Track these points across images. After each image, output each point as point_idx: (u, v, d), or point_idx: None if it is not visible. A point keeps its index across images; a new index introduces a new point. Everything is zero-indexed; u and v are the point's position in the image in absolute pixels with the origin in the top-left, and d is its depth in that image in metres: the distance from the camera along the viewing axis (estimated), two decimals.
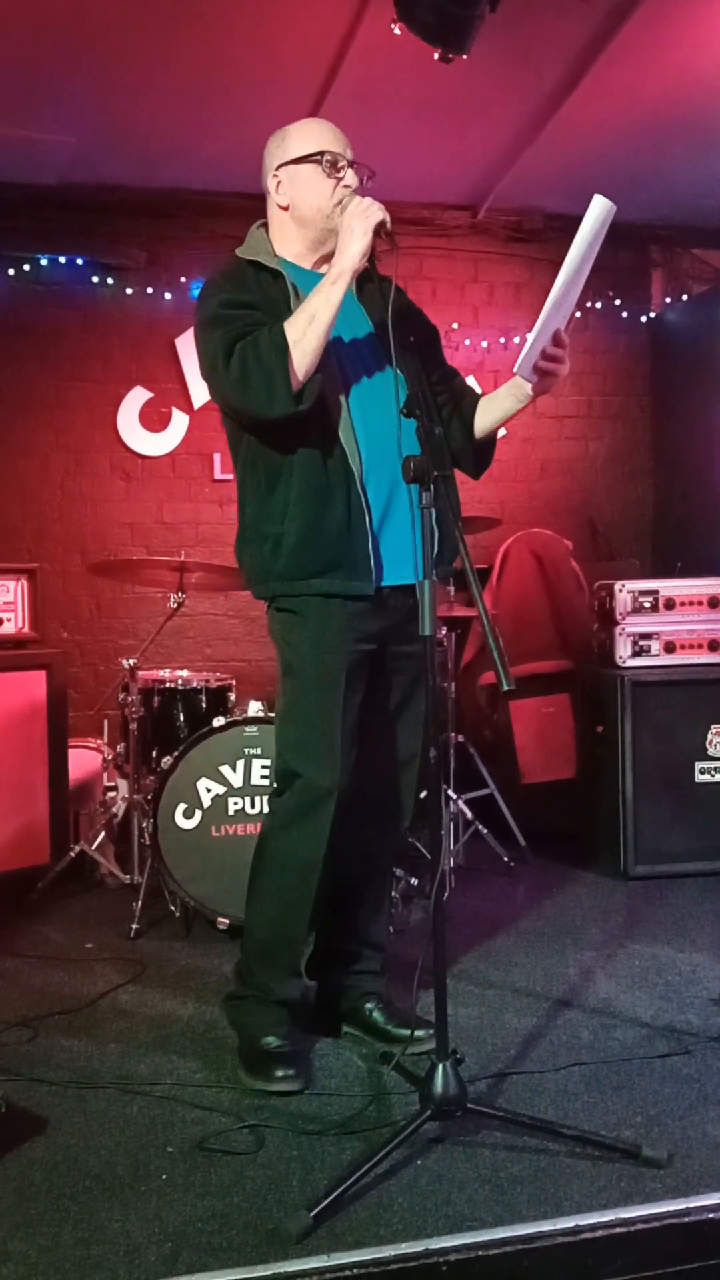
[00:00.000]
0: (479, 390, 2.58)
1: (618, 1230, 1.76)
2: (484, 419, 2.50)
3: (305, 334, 2.20)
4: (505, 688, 1.91)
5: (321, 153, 2.37)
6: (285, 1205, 1.84)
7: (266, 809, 2.55)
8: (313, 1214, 1.77)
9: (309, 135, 2.40)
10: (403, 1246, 1.71)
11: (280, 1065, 2.28)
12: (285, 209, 2.42)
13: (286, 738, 2.41)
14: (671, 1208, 1.81)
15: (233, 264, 2.44)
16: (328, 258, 2.44)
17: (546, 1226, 1.76)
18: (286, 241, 2.45)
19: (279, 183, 2.41)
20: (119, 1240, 1.76)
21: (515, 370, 2.32)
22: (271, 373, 2.20)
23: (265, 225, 2.49)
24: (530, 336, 2.27)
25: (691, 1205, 1.81)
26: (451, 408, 2.50)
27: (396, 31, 3.31)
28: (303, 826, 2.36)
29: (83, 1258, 1.72)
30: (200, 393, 4.91)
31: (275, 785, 2.45)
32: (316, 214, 2.39)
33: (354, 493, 2.30)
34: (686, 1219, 1.79)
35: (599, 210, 2.10)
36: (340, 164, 2.37)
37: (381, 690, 2.48)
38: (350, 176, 2.38)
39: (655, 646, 4.00)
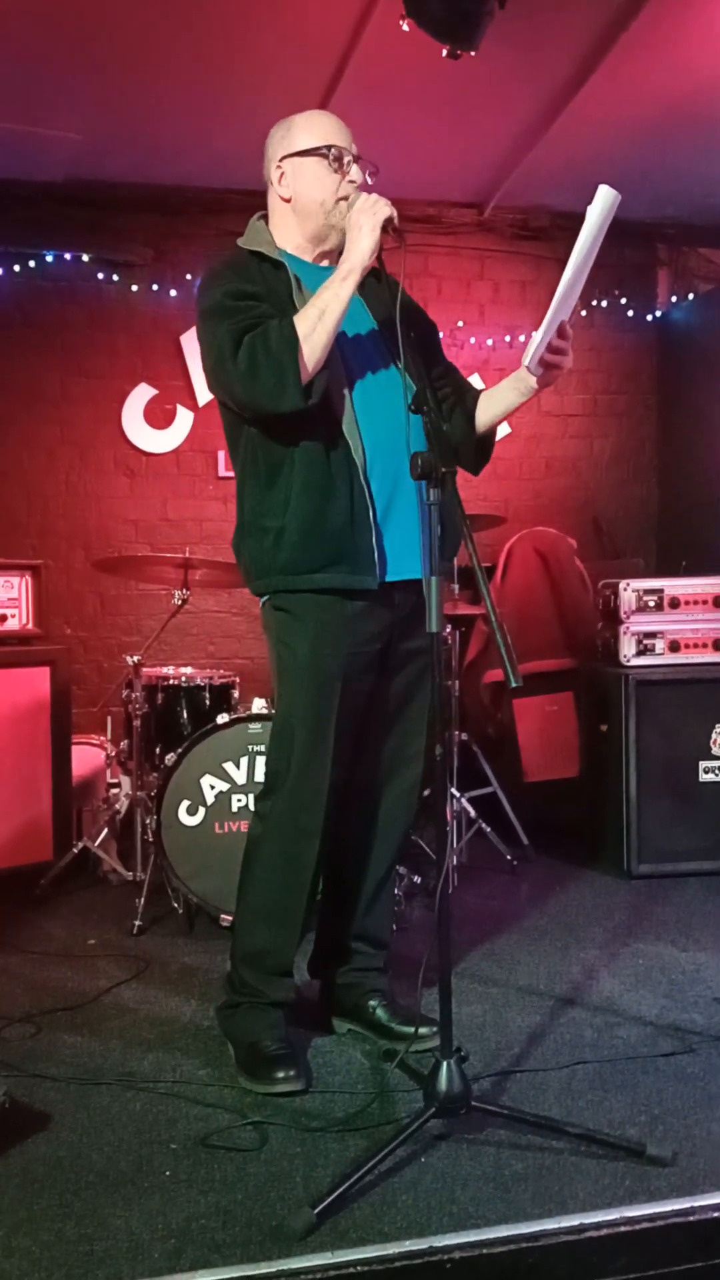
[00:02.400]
0: (481, 386, 2.58)
1: (622, 1229, 1.75)
2: (486, 413, 2.49)
3: (315, 329, 2.20)
4: (513, 684, 1.91)
5: (329, 146, 2.36)
6: (289, 1202, 1.84)
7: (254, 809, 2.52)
8: (316, 1211, 1.76)
9: (315, 128, 2.39)
10: (407, 1244, 1.71)
11: (281, 1067, 2.27)
12: (287, 201, 2.41)
13: (280, 738, 2.39)
14: (676, 1206, 1.80)
15: (235, 254, 2.42)
16: (328, 254, 2.45)
17: (550, 1225, 1.75)
18: (287, 234, 2.43)
19: (282, 174, 2.40)
20: (122, 1236, 1.76)
21: (525, 363, 2.31)
22: (282, 366, 2.18)
23: (265, 216, 2.48)
24: (540, 330, 2.26)
25: (696, 1204, 1.81)
26: (454, 402, 2.49)
27: (405, 28, 3.30)
28: (293, 828, 2.36)
29: (86, 1254, 1.72)
30: (205, 390, 4.91)
31: (265, 785, 2.43)
32: (319, 208, 2.38)
33: (357, 486, 2.29)
34: (691, 1218, 1.79)
35: (605, 200, 2.08)
36: (346, 159, 2.37)
37: (387, 687, 2.46)
38: (355, 172, 2.37)
39: (660, 645, 3.99)
